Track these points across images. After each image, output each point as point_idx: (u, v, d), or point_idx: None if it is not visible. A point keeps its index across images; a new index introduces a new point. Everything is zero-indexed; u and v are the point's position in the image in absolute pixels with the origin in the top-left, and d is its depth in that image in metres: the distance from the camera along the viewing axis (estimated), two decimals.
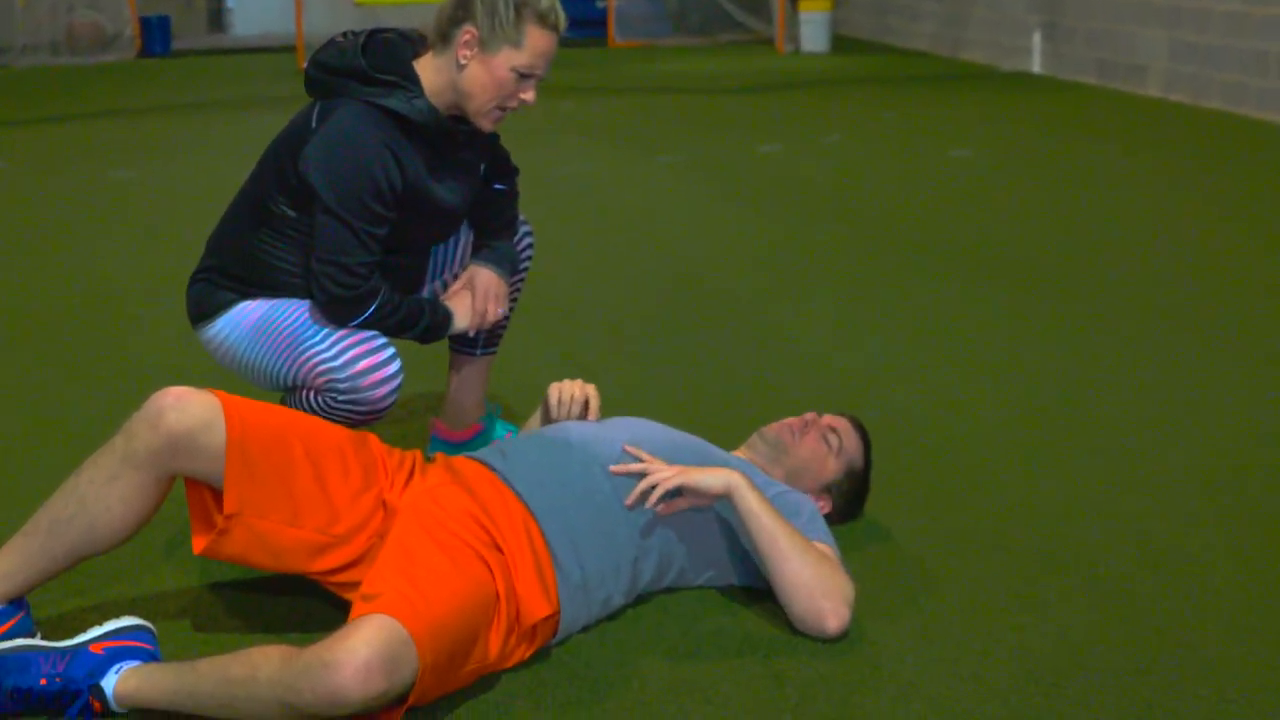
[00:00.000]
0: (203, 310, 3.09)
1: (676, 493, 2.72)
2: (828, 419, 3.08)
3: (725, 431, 3.27)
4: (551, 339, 4.54)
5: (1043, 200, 6.76)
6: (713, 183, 7.22)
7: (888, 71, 12.16)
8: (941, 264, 5.55)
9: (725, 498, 2.71)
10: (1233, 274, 5.41)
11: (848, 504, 3.12)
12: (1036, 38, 11.68)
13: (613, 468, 2.75)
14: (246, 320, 3.03)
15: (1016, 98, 10.35)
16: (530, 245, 3.42)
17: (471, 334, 3.21)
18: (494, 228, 3.29)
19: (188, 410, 2.47)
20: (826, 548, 2.77)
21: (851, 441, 3.09)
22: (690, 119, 9.42)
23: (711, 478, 2.71)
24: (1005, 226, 6.23)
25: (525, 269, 3.41)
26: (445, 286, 3.35)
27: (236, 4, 14.81)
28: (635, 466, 2.75)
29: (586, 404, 2.99)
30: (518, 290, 3.38)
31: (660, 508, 2.71)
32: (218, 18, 14.86)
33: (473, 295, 3.16)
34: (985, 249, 5.81)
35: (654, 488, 2.69)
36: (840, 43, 13.85)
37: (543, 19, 2.92)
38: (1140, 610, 2.82)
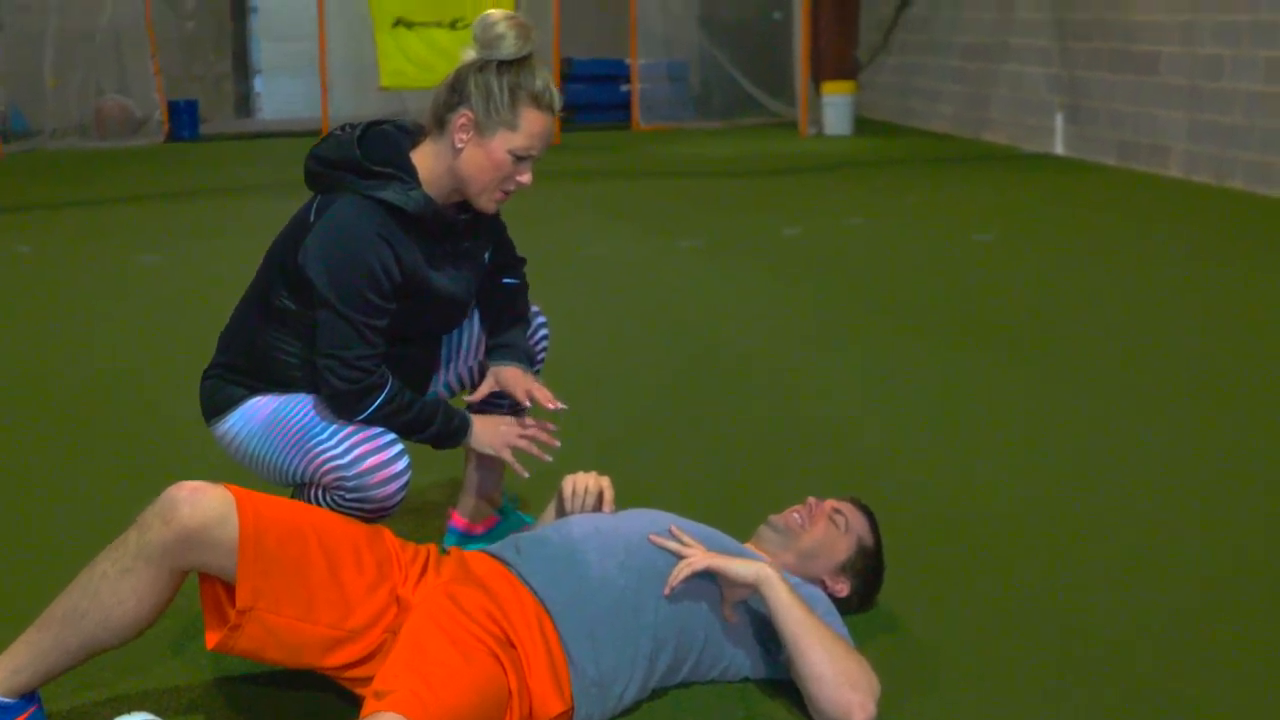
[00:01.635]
0: (215, 406, 3.09)
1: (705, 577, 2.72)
2: (830, 503, 3.10)
3: (745, 509, 3.28)
4: (569, 421, 4.51)
5: (1065, 281, 6.77)
6: (735, 266, 7.24)
7: (910, 153, 12.21)
8: (963, 346, 5.55)
9: (756, 588, 2.70)
10: (1266, 354, 5.39)
11: (865, 584, 3.10)
12: (1059, 119, 11.72)
13: (651, 536, 2.77)
14: (257, 416, 3.04)
15: (1038, 179, 10.38)
16: (546, 336, 3.42)
17: (501, 455, 3.17)
18: (507, 322, 3.29)
19: (201, 505, 2.47)
20: (840, 637, 2.75)
21: (858, 520, 3.09)
22: (713, 202, 9.46)
23: (744, 567, 2.72)
24: (1027, 307, 6.24)
25: (541, 359, 3.42)
26: (459, 380, 3.36)
27: (264, 89, 14.97)
28: (672, 545, 2.76)
29: (601, 496, 2.98)
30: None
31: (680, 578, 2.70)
32: (245, 102, 15.01)
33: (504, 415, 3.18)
34: (1006, 329, 5.82)
35: (685, 567, 2.71)
36: (863, 125, 13.93)
37: (537, 100, 2.93)
38: (1165, 703, 2.79)
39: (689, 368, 5.27)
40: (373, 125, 3.03)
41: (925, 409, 4.76)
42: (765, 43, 14.90)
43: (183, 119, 13.40)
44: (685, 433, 4.50)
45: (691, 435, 4.47)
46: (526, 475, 3.15)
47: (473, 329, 3.31)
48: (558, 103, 2.96)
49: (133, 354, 5.53)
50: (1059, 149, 11.75)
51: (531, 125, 2.92)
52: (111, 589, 2.48)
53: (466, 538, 3.43)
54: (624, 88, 14.28)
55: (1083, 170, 10.80)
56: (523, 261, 3.38)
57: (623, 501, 3.02)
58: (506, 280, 3.31)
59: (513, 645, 2.55)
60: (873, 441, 4.41)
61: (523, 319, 3.33)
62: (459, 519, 3.46)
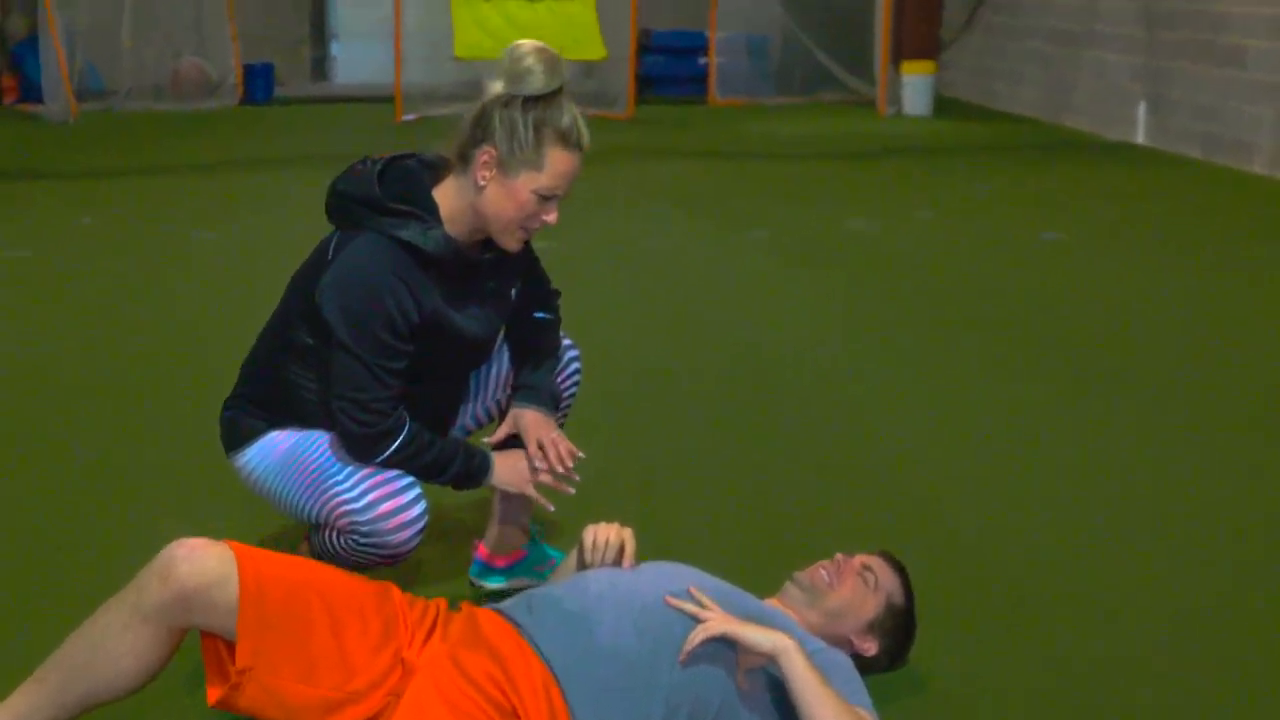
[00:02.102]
0: (235, 439, 3.04)
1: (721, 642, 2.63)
2: (859, 559, 2.99)
3: (781, 549, 3.26)
4: (613, 440, 4.43)
5: (1139, 288, 6.60)
6: (798, 263, 7.12)
7: (988, 138, 11.98)
8: (1026, 363, 5.40)
9: (773, 659, 2.61)
10: None
11: (895, 643, 2.99)
12: (1141, 109, 11.46)
13: (668, 598, 2.67)
14: (275, 452, 2.97)
15: (1117, 172, 10.15)
16: (577, 371, 3.33)
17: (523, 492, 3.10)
18: (537, 358, 3.20)
19: (201, 565, 2.40)
20: (864, 712, 2.65)
21: (888, 576, 2.98)
22: (783, 188, 9.32)
23: (762, 637, 2.61)
24: (1094, 319, 6.06)
25: (570, 397, 3.32)
26: (487, 413, 3.28)
27: (341, 54, 14.94)
28: (689, 607, 2.66)
29: (622, 549, 2.88)
30: (562, 421, 3.28)
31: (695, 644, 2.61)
32: (321, 66, 15.00)
33: (527, 451, 3.07)
34: (1073, 345, 5.65)
35: (701, 633, 2.61)
36: (943, 105, 13.68)
37: (564, 139, 2.81)
38: None
39: (740, 378, 5.17)
40: (395, 160, 2.94)
41: (981, 437, 4.61)
42: (846, 19, 14.65)
43: (258, 82, 13.41)
44: (730, 453, 4.40)
45: (735, 456, 4.38)
46: (552, 509, 3.09)
47: (500, 364, 3.23)
48: (586, 139, 2.86)
49: (178, 335, 5.53)
50: (1141, 139, 11.48)
51: (557, 165, 2.82)
52: (110, 646, 2.43)
53: (493, 571, 3.36)
54: (701, 61, 14.10)
55: (1164, 162, 10.55)
56: (556, 294, 3.28)
57: (656, 534, 2.94)
58: (538, 315, 3.21)
59: (517, 716, 2.47)
60: (922, 475, 4.28)
61: (553, 355, 3.23)
62: (484, 550, 3.38)
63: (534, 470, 3.05)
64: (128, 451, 4.26)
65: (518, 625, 2.63)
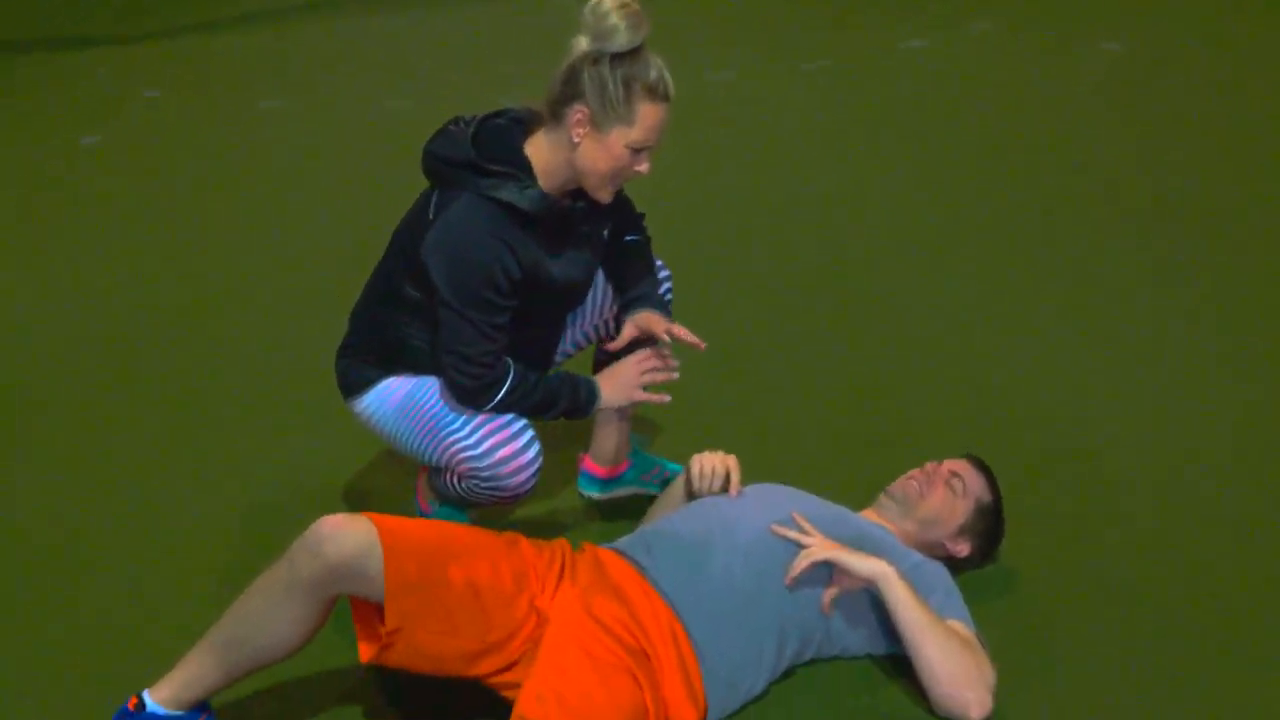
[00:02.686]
0: (351, 386, 3.22)
1: (825, 566, 2.82)
2: (948, 464, 3.18)
3: (860, 451, 3.49)
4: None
5: (1221, 110, 6.51)
6: (861, 97, 7.07)
7: None
8: (1100, 214, 5.37)
9: (873, 584, 2.80)
10: None
11: (985, 542, 3.20)
12: None
13: (773, 527, 2.88)
14: (392, 398, 3.16)
15: None
16: (669, 290, 3.47)
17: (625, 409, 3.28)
18: (634, 277, 3.35)
19: (346, 540, 2.59)
20: (962, 626, 2.85)
21: (975, 481, 3.17)
22: (829, 4, 9.17)
23: (862, 563, 2.81)
24: (1178, 157, 5.97)
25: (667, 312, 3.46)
26: (585, 338, 3.43)
27: None
28: (794, 534, 2.87)
29: (728, 477, 3.07)
30: None
31: (799, 570, 2.82)
32: None
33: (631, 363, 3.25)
34: (1156, 190, 5.60)
35: (805, 558, 2.83)
36: None
37: (653, 92, 2.91)
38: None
39: (814, 251, 5.20)
40: (487, 120, 3.05)
41: (1054, 305, 4.66)
42: None
43: None
44: (810, 341, 4.49)
45: (815, 344, 4.47)
46: (668, 400, 3.27)
47: (595, 291, 3.37)
48: (672, 89, 2.95)
49: (256, 227, 5.64)
50: None
51: (647, 118, 2.92)
52: (268, 618, 2.64)
53: (600, 482, 3.53)
54: None
55: None
56: (642, 216, 3.41)
57: (747, 443, 3.13)
58: (629, 238, 3.35)
59: (648, 656, 2.68)
60: (994, 359, 4.32)
61: (650, 270, 3.38)
62: (591, 464, 3.55)
63: (638, 363, 3.26)
64: (214, 375, 4.43)
65: (639, 566, 2.84)
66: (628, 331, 3.31)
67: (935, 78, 7.36)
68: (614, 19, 2.85)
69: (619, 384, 3.25)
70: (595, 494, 3.55)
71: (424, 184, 3.12)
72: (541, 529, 3.42)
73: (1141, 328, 4.44)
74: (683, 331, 3.25)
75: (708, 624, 2.76)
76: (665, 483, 3.55)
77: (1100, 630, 3.04)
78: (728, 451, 3.14)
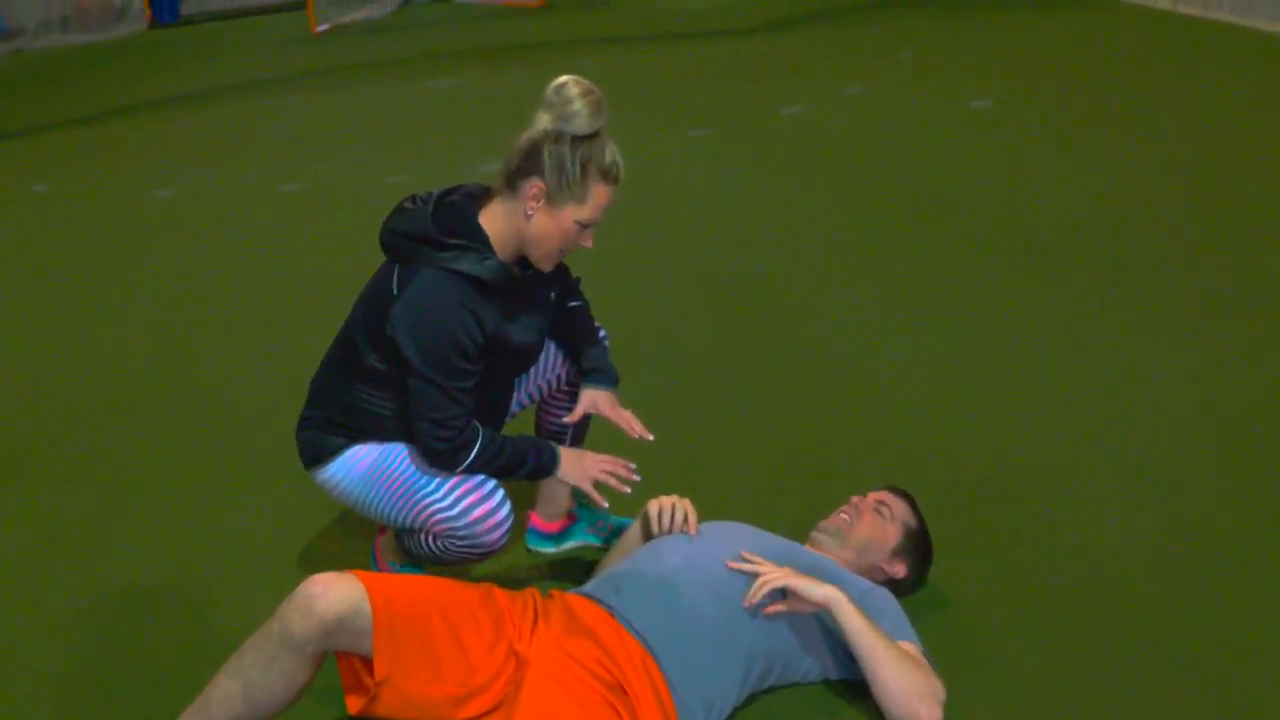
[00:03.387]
0: (315, 456, 3.33)
1: (781, 593, 3.00)
2: (872, 496, 3.43)
3: (790, 478, 3.63)
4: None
5: (1073, 156, 6.88)
6: (743, 160, 7.35)
7: None
8: (979, 249, 5.70)
9: (826, 609, 2.98)
10: None
11: (918, 562, 3.41)
12: None
13: (729, 563, 3.07)
14: (359, 466, 3.28)
15: (1027, 19, 10.37)
16: (607, 347, 3.64)
17: (583, 487, 3.41)
18: (583, 342, 3.53)
19: (335, 598, 2.71)
20: (912, 646, 3.04)
21: (900, 507, 3.41)
22: (711, 74, 9.47)
23: (815, 589, 3.00)
24: (1040, 198, 6.32)
25: None
26: (529, 397, 3.59)
27: None
28: (748, 567, 3.07)
29: (685, 517, 3.24)
30: None
31: (765, 607, 2.99)
32: None
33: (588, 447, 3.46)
34: (1023, 228, 5.95)
35: (762, 585, 3.01)
36: None
37: (606, 174, 3.10)
38: (1225, 672, 3.07)
39: (711, 297, 5.45)
40: (443, 196, 3.20)
41: (945, 329, 4.96)
42: None
43: (162, 2, 13.29)
44: (723, 381, 4.71)
45: (729, 386, 4.69)
46: (606, 505, 3.40)
47: (544, 350, 3.53)
48: (623, 173, 3.13)
49: (173, 309, 5.71)
50: None
51: (599, 198, 3.10)
52: (260, 676, 2.74)
53: (547, 537, 3.67)
54: None
55: (1069, 2, 10.78)
56: (579, 281, 3.58)
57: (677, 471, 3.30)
58: (571, 304, 3.52)
59: (624, 690, 2.83)
60: (903, 391, 4.57)
61: (594, 336, 3.56)
62: (538, 520, 3.69)
63: (603, 460, 3.40)
64: (149, 455, 4.49)
65: (609, 608, 2.98)
66: (582, 406, 3.50)
67: (814, 138, 7.65)
68: (578, 104, 3.03)
69: (579, 467, 3.40)
70: (544, 549, 3.68)
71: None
72: (497, 583, 3.53)
73: (1041, 354, 4.72)
74: (631, 422, 3.44)
75: (679, 657, 2.92)
76: (612, 534, 3.69)
77: (1032, 641, 3.25)
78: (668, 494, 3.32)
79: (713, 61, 9.93)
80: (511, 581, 3.60)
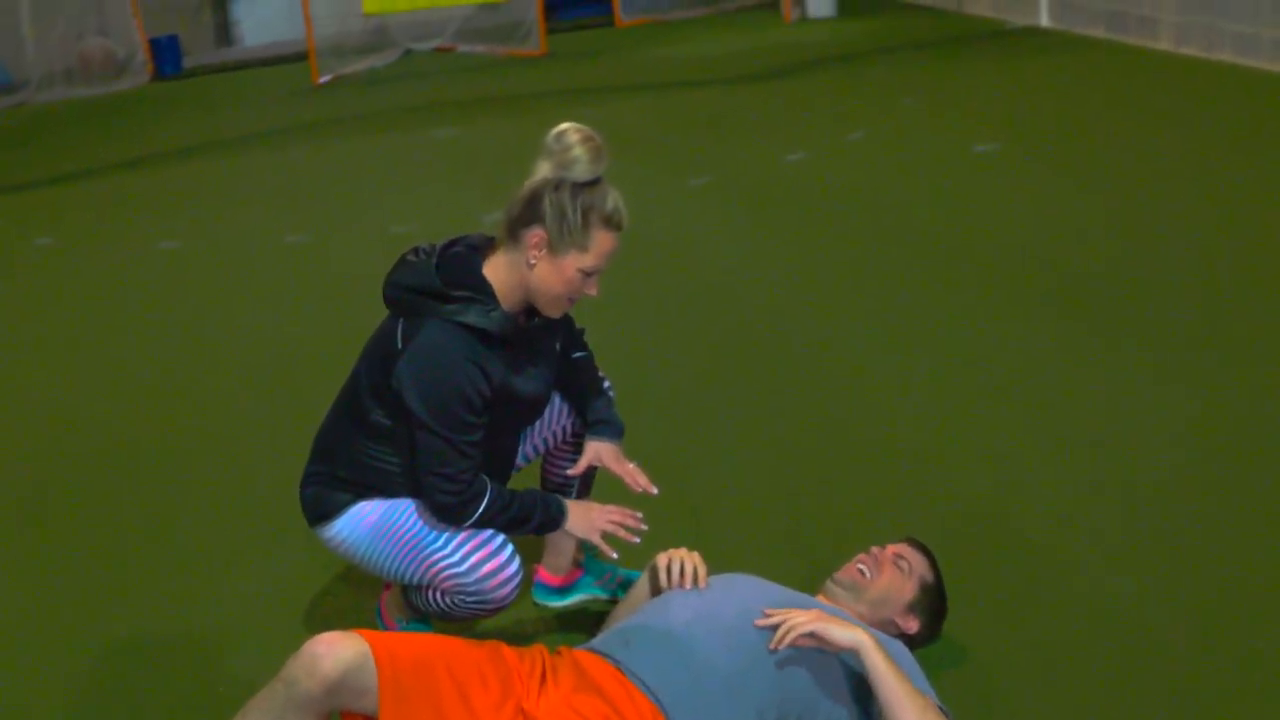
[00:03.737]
0: (321, 513, 3.29)
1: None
2: (890, 549, 3.34)
3: (800, 527, 3.57)
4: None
5: (1082, 198, 6.85)
6: (745, 206, 7.34)
7: (895, 36, 12.14)
8: (988, 293, 5.67)
9: (853, 653, 2.92)
10: None
11: (931, 619, 3.34)
12: None
13: (757, 622, 2.99)
14: (365, 522, 3.24)
15: (1029, 63, 10.40)
16: (613, 397, 3.61)
17: (590, 539, 3.37)
18: (589, 393, 3.50)
19: (341, 657, 2.67)
20: (932, 700, 2.98)
21: (918, 561, 3.34)
22: (713, 122, 9.49)
23: (843, 633, 2.93)
24: (1050, 242, 6.28)
25: None
26: (535, 450, 3.56)
27: (243, 16, 14.87)
28: (775, 621, 2.98)
29: (695, 570, 3.19)
30: None
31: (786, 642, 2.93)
32: (225, 31, 14.92)
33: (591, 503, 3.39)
34: (1033, 271, 5.91)
35: (790, 630, 2.93)
36: (845, 3, 13.86)
37: (608, 221, 3.06)
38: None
39: (719, 345, 5.43)
40: (447, 248, 3.17)
41: (961, 372, 4.92)
42: None
43: (165, 55, 13.36)
44: (730, 433, 4.67)
45: (736, 435, 4.65)
46: (615, 557, 3.35)
47: (550, 401, 3.50)
48: (626, 221, 3.10)
49: (178, 363, 5.68)
50: (1045, 21, 11.76)
51: (602, 246, 3.07)
52: None
53: (553, 591, 3.64)
54: None
55: (1071, 45, 10.82)
56: (583, 332, 3.55)
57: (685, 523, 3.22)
58: (576, 355, 3.49)
59: None
60: (914, 437, 4.53)
61: (599, 386, 3.52)
62: (545, 574, 3.65)
63: (611, 512, 3.37)
64: (154, 513, 4.46)
65: (617, 663, 2.93)
66: (587, 458, 3.46)
67: (818, 184, 7.64)
68: (577, 150, 3.00)
69: (586, 520, 3.36)
70: (551, 603, 3.64)
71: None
72: (504, 639, 3.48)
73: (1051, 398, 4.67)
74: (635, 475, 3.41)
75: (691, 712, 2.85)
76: (620, 587, 3.65)
77: (1048, 693, 3.19)
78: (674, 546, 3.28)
79: (714, 109, 9.95)
80: (518, 636, 3.56)
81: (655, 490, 3.40)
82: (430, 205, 7.85)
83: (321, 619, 3.70)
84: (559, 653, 3.05)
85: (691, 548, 3.24)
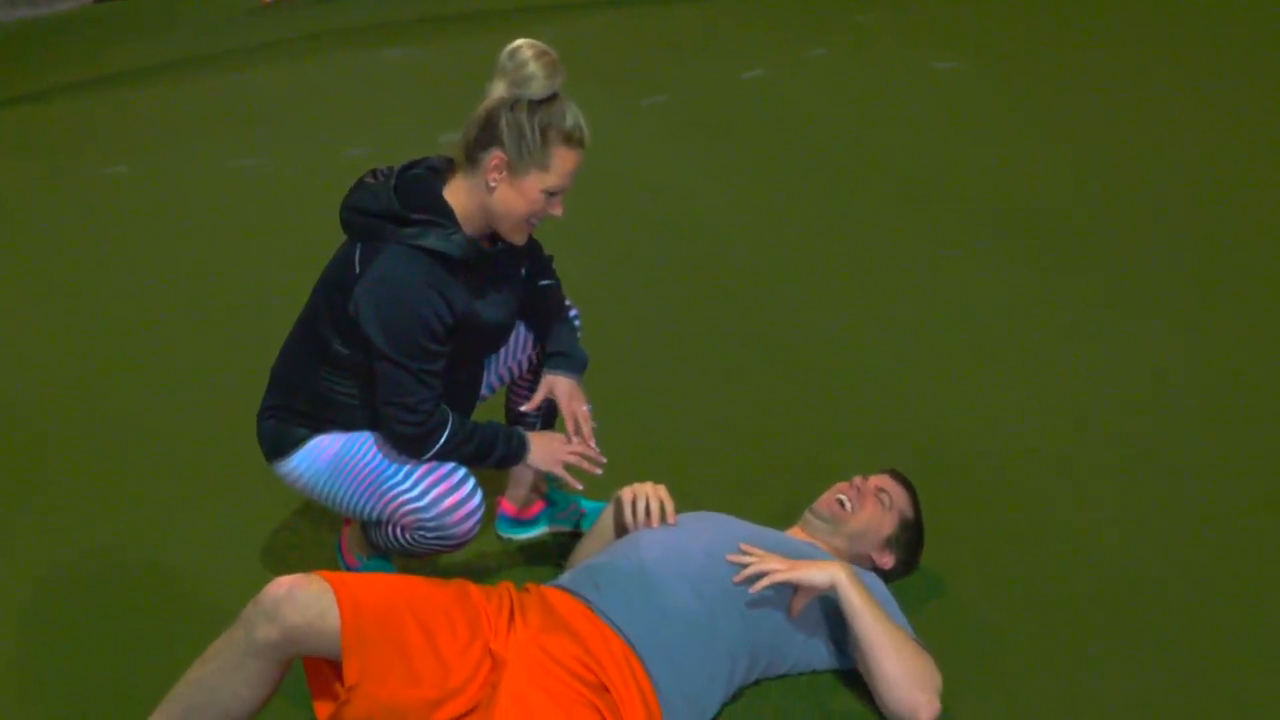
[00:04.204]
0: (278, 447, 3.20)
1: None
2: (873, 480, 3.27)
3: (770, 458, 3.52)
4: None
5: (1047, 122, 6.77)
6: (701, 127, 7.19)
7: None
8: (956, 225, 5.57)
9: (832, 591, 2.88)
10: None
11: (908, 554, 3.29)
12: None
13: (729, 556, 2.94)
14: (323, 456, 3.15)
15: None
16: (579, 325, 3.52)
17: (552, 473, 3.29)
18: (552, 322, 3.41)
19: (302, 601, 2.59)
20: (906, 634, 2.94)
21: (900, 495, 3.28)
22: (668, 39, 9.33)
23: (818, 574, 2.89)
24: (1016, 169, 6.19)
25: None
26: (500, 379, 3.47)
27: None
28: (746, 559, 2.95)
29: (662, 507, 3.13)
30: None
31: (756, 588, 2.89)
32: None
33: (558, 428, 3.30)
34: (994, 199, 5.83)
35: (761, 576, 2.90)
36: None
37: (568, 138, 2.95)
38: (1218, 666, 2.99)
39: (684, 275, 5.31)
40: (405, 170, 3.07)
41: (922, 307, 4.85)
42: None
43: None
44: (696, 361, 4.59)
45: (699, 366, 4.56)
46: (580, 488, 3.27)
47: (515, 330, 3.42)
48: (588, 136, 2.99)
49: (127, 293, 5.57)
50: None
51: (563, 164, 2.96)
52: (226, 683, 2.63)
53: (518, 524, 3.58)
54: None
55: None
56: (550, 259, 3.46)
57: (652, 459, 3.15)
58: (542, 283, 3.40)
59: (607, 689, 2.72)
60: (884, 373, 4.43)
61: (563, 316, 3.43)
62: (509, 506, 3.59)
63: (572, 443, 3.28)
64: (110, 449, 4.36)
65: (588, 602, 2.87)
66: (542, 392, 3.37)
67: (778, 104, 7.51)
68: (532, 66, 2.88)
69: (547, 452, 3.27)
70: (515, 535, 3.58)
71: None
72: (468, 575, 3.43)
73: (1011, 331, 4.62)
74: (583, 423, 3.31)
75: (663, 654, 2.81)
76: (584, 519, 3.59)
77: (1027, 626, 3.15)
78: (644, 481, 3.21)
79: (667, 26, 9.75)
80: (481, 570, 3.49)
81: (598, 453, 3.30)
82: (384, 128, 7.69)
83: (279, 557, 3.62)
84: (526, 589, 2.99)
85: (659, 484, 3.17)
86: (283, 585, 2.62)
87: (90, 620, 3.44)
